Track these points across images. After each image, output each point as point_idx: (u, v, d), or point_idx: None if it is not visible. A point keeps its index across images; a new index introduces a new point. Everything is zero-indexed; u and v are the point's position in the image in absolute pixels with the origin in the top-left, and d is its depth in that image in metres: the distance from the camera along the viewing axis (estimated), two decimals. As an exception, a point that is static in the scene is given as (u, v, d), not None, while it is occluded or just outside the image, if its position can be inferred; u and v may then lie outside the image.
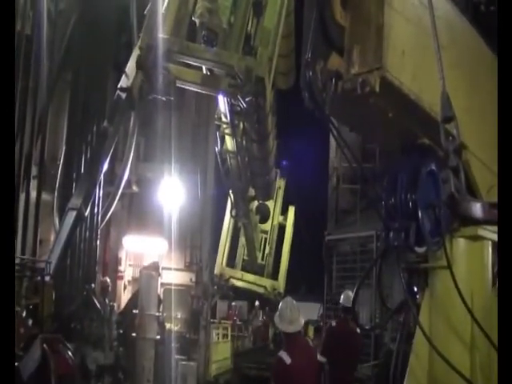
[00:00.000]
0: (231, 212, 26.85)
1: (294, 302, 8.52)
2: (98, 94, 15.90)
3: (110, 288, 16.46)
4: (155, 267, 15.00)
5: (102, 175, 14.12)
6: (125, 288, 20.65)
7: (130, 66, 13.85)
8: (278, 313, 8.36)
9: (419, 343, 6.16)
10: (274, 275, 29.74)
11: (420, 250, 5.44)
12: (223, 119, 19.15)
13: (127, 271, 20.94)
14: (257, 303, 33.21)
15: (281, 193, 30.64)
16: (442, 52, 4.97)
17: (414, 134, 5.47)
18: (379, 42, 4.52)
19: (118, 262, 20.57)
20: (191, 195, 20.68)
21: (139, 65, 13.38)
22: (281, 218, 30.75)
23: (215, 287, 25.90)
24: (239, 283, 28.57)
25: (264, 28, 14.99)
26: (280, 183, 30.40)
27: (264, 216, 29.80)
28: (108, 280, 16.73)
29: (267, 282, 28.85)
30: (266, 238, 30.37)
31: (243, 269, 29.57)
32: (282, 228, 30.78)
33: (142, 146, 20.39)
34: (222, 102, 17.13)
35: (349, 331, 12.69)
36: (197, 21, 14.16)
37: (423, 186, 5.26)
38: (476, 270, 6.10)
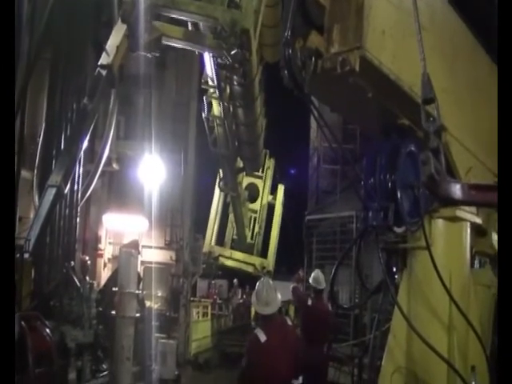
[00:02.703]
0: (219, 184, 26.80)
1: (271, 282, 8.49)
2: (78, 72, 15.74)
3: (89, 266, 16.40)
4: (135, 245, 14.91)
5: (81, 152, 14.04)
6: (105, 266, 20.64)
7: (111, 44, 13.76)
8: (254, 293, 8.34)
9: (397, 323, 6.20)
10: (264, 254, 29.74)
11: (399, 230, 5.44)
12: (210, 83, 18.96)
13: (107, 249, 20.91)
14: (235, 281, 33.26)
15: (270, 172, 30.57)
16: (423, 33, 4.95)
17: (393, 115, 5.46)
18: (359, 21, 4.50)
19: (97, 239, 20.54)
20: (172, 173, 20.65)
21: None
22: (270, 197, 30.70)
23: (203, 265, 25.94)
24: (228, 262, 28.55)
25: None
26: (269, 163, 30.38)
27: (253, 195, 29.81)
28: (87, 258, 16.68)
29: (256, 261, 28.77)
30: (255, 218, 30.35)
31: (232, 248, 29.56)
32: (271, 207, 30.77)
33: (122, 124, 20.28)
34: (208, 65, 17.01)
35: (321, 310, 12.91)
36: None
37: (402, 166, 5.26)
38: (454, 250, 6.14)
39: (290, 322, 8.97)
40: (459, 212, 5.98)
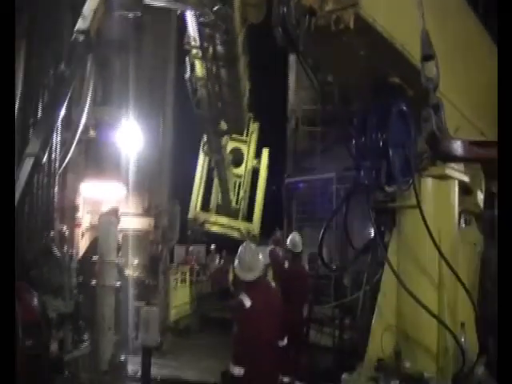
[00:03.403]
0: (203, 147, 26.64)
1: (254, 246, 8.48)
2: (55, 37, 15.48)
3: (67, 235, 16.27)
4: (114, 213, 14.81)
5: (59, 120, 13.86)
6: (82, 235, 20.45)
7: (88, 8, 13.54)
8: (237, 259, 8.30)
9: (387, 282, 6.26)
10: (249, 218, 29.73)
11: (390, 189, 5.46)
12: (193, 44, 18.72)
13: (85, 218, 20.72)
14: (213, 247, 33.29)
15: (254, 136, 30.40)
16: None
17: (384, 73, 5.44)
18: (354, -22, 4.45)
19: (75, 208, 20.34)
20: (150, 139, 20.47)
21: None
22: (255, 162, 30.59)
23: (189, 232, 25.95)
24: (214, 227, 28.49)
25: None
26: (253, 127, 30.22)
27: (238, 160, 29.72)
28: (65, 227, 16.54)
29: (242, 225, 28.67)
30: (239, 183, 30.26)
31: (217, 213, 29.53)
32: (255, 172, 30.69)
33: (99, 90, 20.02)
34: (191, 24, 16.80)
35: (299, 272, 13.07)
36: None
37: (394, 125, 5.27)
38: (443, 208, 6.20)
39: (273, 285, 9.00)
40: (448, 170, 6.02)
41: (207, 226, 28.13)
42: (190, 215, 27.06)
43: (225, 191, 28.49)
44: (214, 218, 28.72)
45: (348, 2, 4.43)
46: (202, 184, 29.01)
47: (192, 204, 28.00)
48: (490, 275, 7.58)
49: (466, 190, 6.76)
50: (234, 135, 28.14)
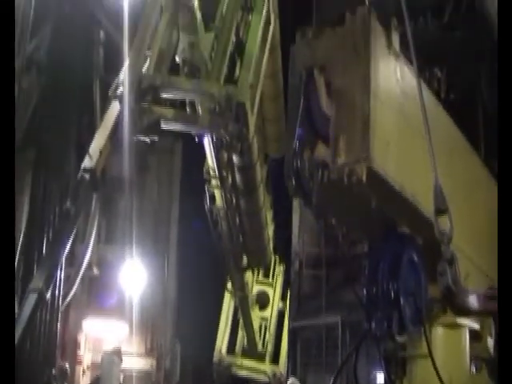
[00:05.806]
0: (227, 286, 26.30)
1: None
2: (60, 175, 15.74)
3: (68, 373, 16.01)
4: (117, 352, 14.64)
5: (63, 257, 13.90)
6: (83, 373, 20.11)
7: (94, 147, 13.79)
8: None
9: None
10: (275, 360, 29.11)
11: (401, 338, 5.43)
12: (211, 173, 18.78)
13: (86, 355, 20.43)
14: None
15: (280, 279, 30.19)
16: (420, 140, 5.02)
17: (394, 222, 5.49)
18: (366, 132, 4.55)
19: (77, 345, 20.09)
20: (153, 278, 20.47)
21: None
22: (280, 305, 30.23)
23: (214, 375, 25.45)
24: (240, 371, 27.81)
25: (246, 53, 14.87)
26: (279, 269, 30.05)
27: (263, 303, 29.38)
28: (66, 365, 16.28)
29: (268, 368, 28.09)
30: (265, 325, 29.80)
31: (243, 356, 28.92)
32: (281, 313, 30.30)
33: (103, 228, 20.18)
34: (209, 153, 16.95)
35: None
36: (179, 57, 14.16)
37: (404, 274, 5.28)
38: (454, 356, 6.13)
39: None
40: (459, 319, 6.00)
41: (234, 369, 27.42)
42: (215, 358, 26.46)
43: (250, 333, 27.98)
44: (240, 361, 28.07)
45: (360, 155, 4.51)
46: (228, 326, 28.48)
47: (217, 347, 27.35)
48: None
49: (475, 336, 6.69)
50: (259, 278, 28.09)
